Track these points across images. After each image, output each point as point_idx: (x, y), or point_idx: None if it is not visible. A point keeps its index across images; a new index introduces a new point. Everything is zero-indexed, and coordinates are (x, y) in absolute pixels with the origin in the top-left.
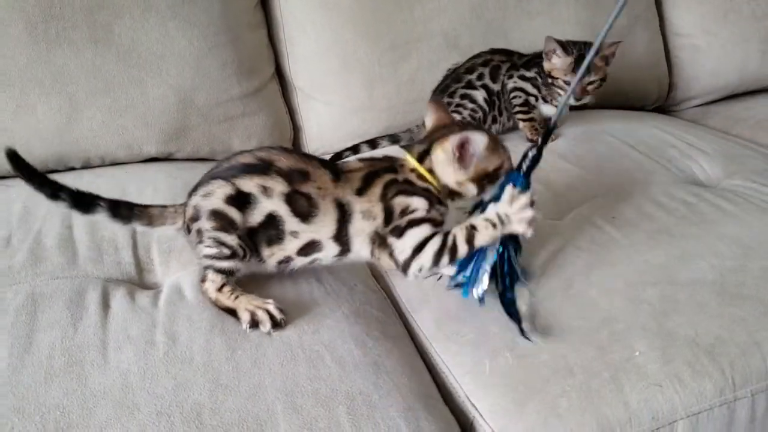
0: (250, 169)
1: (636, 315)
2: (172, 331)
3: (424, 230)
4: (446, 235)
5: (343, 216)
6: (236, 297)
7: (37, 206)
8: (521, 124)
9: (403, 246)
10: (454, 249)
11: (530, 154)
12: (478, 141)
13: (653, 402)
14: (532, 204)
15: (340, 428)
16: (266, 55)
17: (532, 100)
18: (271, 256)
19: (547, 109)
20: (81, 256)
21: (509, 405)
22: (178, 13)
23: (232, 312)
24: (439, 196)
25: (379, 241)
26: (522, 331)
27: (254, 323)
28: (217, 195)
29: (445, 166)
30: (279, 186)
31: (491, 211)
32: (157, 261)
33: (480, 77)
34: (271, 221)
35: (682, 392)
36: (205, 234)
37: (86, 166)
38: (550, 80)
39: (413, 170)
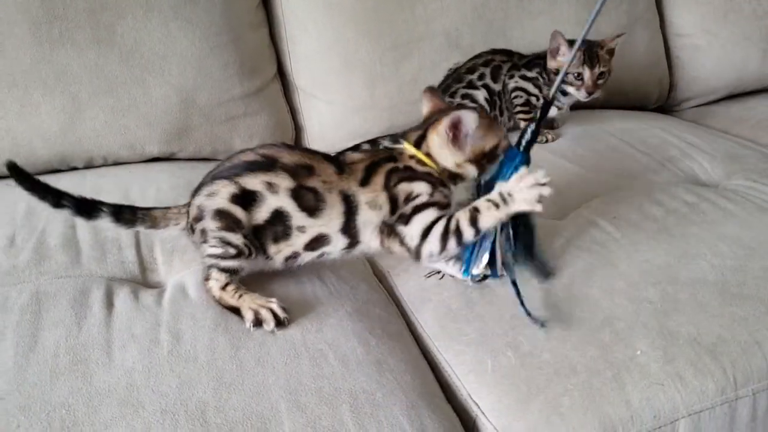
0: (254, 167)
1: (637, 314)
2: (176, 330)
3: (429, 215)
4: (450, 218)
5: (350, 208)
6: (240, 296)
7: (40, 206)
8: (522, 124)
9: (411, 232)
10: (458, 232)
11: (528, 130)
12: (469, 120)
13: (655, 401)
14: (543, 184)
15: (344, 426)
16: (268, 54)
17: (533, 100)
18: (278, 253)
19: (551, 110)
20: (85, 256)
21: (512, 403)
22: (180, 14)
23: (235, 310)
24: (442, 179)
25: (388, 230)
26: (526, 311)
27: (258, 322)
28: (221, 194)
29: (441, 149)
30: (284, 182)
31: (495, 190)
32: (160, 260)
33: (481, 77)
34: (278, 217)
35: (683, 391)
36: (210, 234)
37: (89, 165)
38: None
39: (412, 156)
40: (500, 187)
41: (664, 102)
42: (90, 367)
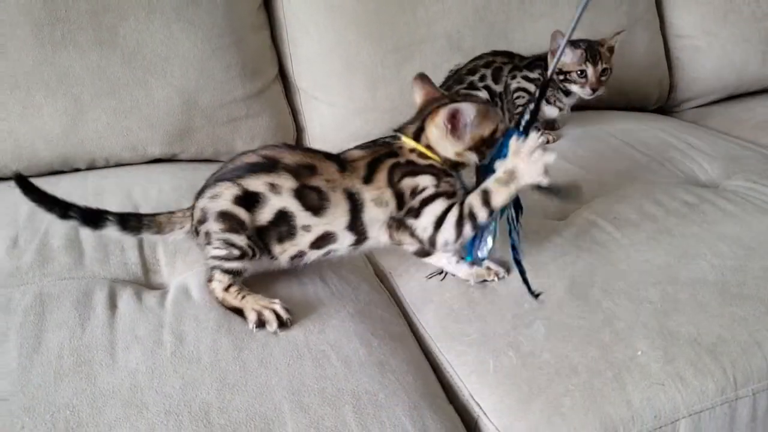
0: (256, 168)
1: (638, 315)
2: (180, 331)
3: (439, 205)
4: (461, 204)
5: (355, 205)
6: (243, 297)
7: None
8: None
9: (423, 224)
10: (472, 216)
11: (528, 110)
12: (468, 110)
13: (656, 401)
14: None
15: (347, 427)
16: (269, 56)
17: None
18: (283, 253)
19: (550, 111)
20: (87, 257)
21: (513, 404)
22: (182, 16)
23: (238, 312)
24: (445, 169)
25: (397, 224)
26: (529, 290)
27: (261, 323)
28: (224, 196)
29: (441, 141)
30: (287, 182)
31: (500, 169)
32: (163, 261)
33: (482, 78)
34: (282, 218)
35: (684, 391)
36: (213, 236)
37: (91, 167)
38: (561, 77)
39: (413, 150)
40: (502, 165)
41: (664, 103)
42: (94, 369)
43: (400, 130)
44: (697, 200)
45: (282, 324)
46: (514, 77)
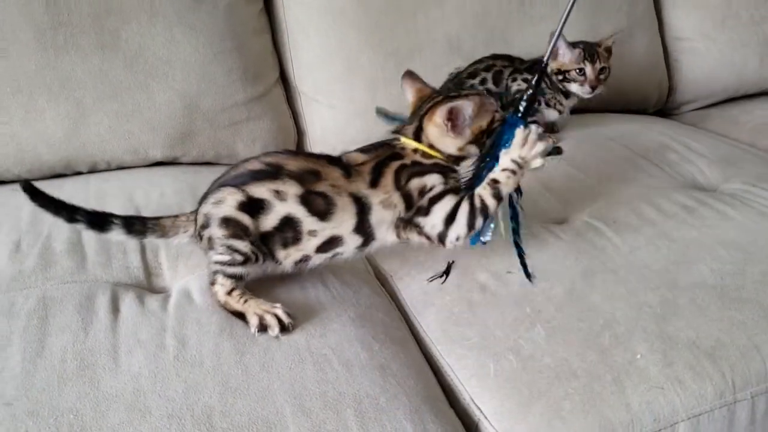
0: (259, 176)
1: (637, 318)
2: (182, 335)
3: (448, 202)
4: (472, 197)
5: (362, 208)
6: (245, 301)
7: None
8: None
9: (432, 221)
10: (484, 208)
11: (525, 96)
12: (466, 107)
13: (655, 404)
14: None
15: (348, 431)
16: (271, 60)
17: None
18: (288, 257)
19: (550, 114)
20: (90, 261)
21: (513, 407)
22: (184, 20)
23: (240, 316)
24: (449, 165)
25: (404, 224)
26: (526, 273)
27: (263, 327)
28: (228, 202)
29: (442, 138)
30: (292, 189)
31: (505, 159)
32: (165, 265)
33: (483, 82)
34: (287, 224)
35: (683, 394)
36: (217, 241)
37: (93, 170)
38: (560, 77)
39: (416, 150)
40: (508, 154)
41: (663, 105)
42: (97, 373)
43: (399, 131)
44: (696, 204)
45: (284, 328)
46: (514, 80)
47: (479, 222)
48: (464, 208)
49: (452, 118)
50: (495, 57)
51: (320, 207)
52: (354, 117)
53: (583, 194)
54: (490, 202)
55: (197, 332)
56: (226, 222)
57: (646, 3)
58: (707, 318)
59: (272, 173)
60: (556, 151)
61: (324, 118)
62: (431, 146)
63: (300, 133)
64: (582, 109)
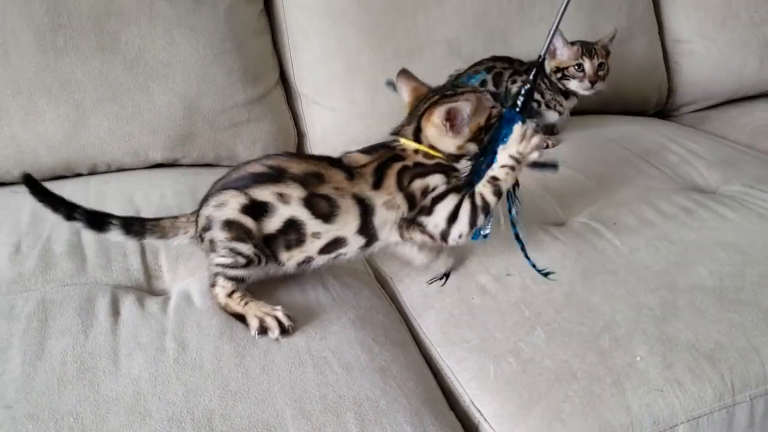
0: (262, 179)
1: (637, 321)
2: (182, 338)
3: (451, 201)
4: (473, 196)
5: (366, 210)
6: (246, 303)
7: (45, 213)
8: None
9: (435, 220)
10: (485, 205)
11: (523, 90)
12: (463, 106)
13: (654, 406)
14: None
15: None
16: (270, 61)
17: (535, 105)
18: (291, 259)
19: (550, 115)
20: (90, 263)
21: (513, 410)
22: (184, 21)
23: (241, 318)
24: (450, 164)
25: (407, 223)
26: (531, 263)
27: (263, 330)
28: (230, 205)
29: (441, 138)
30: (295, 191)
31: (503, 155)
32: (165, 267)
33: (483, 84)
34: (291, 226)
35: (682, 397)
36: (219, 244)
37: (93, 172)
38: (559, 75)
39: (417, 151)
40: (506, 150)
41: (663, 107)
42: (97, 375)
43: (398, 132)
44: (695, 205)
45: (284, 331)
46: (514, 82)
47: (481, 219)
48: (466, 206)
49: (450, 118)
50: (495, 59)
51: (324, 209)
52: (354, 118)
53: (583, 196)
54: (491, 200)
55: (197, 335)
56: (229, 225)
57: (646, 4)
58: (706, 320)
59: (275, 176)
60: (551, 165)
61: (324, 119)
62: (431, 146)
63: (300, 135)
64: (582, 110)
